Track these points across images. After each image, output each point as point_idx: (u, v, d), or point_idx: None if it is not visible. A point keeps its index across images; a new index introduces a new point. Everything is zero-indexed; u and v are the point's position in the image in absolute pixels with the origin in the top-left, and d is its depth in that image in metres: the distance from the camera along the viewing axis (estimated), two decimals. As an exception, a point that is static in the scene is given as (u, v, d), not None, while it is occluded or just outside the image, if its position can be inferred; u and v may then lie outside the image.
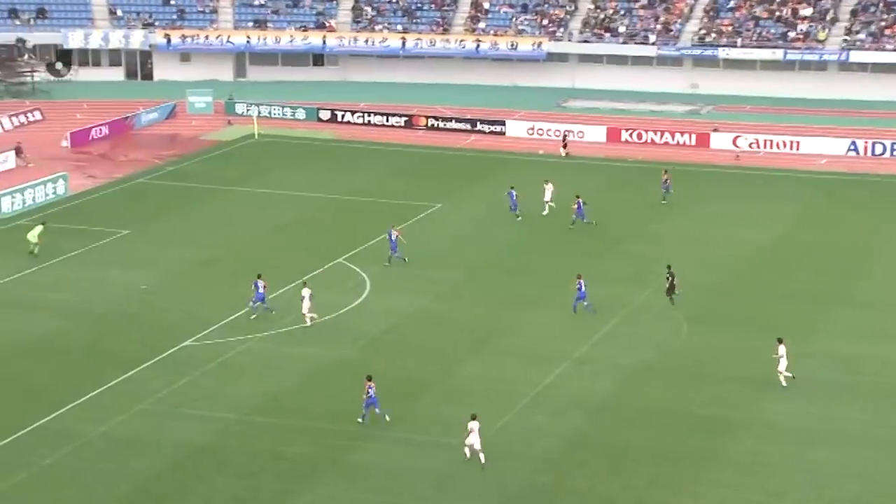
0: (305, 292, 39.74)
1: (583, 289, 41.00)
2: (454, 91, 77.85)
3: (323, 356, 37.46)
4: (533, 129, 68.47)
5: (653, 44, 77.75)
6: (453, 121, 69.74)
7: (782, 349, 35.41)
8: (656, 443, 32.48)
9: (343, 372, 36.65)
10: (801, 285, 44.34)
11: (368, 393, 32.89)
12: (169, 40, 77.93)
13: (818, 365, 37.36)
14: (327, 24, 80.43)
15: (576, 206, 50.70)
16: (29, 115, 68.01)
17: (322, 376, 36.38)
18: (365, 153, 64.29)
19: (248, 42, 78.75)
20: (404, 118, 70.24)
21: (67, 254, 46.37)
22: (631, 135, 67.50)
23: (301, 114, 71.06)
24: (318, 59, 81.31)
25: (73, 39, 76.89)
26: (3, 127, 65.85)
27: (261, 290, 40.03)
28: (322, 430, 32.91)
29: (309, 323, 39.40)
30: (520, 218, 51.12)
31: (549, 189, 52.17)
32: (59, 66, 66.71)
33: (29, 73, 73.45)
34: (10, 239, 47.90)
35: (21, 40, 74.33)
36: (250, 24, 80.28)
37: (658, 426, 33.42)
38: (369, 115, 70.36)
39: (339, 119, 70.42)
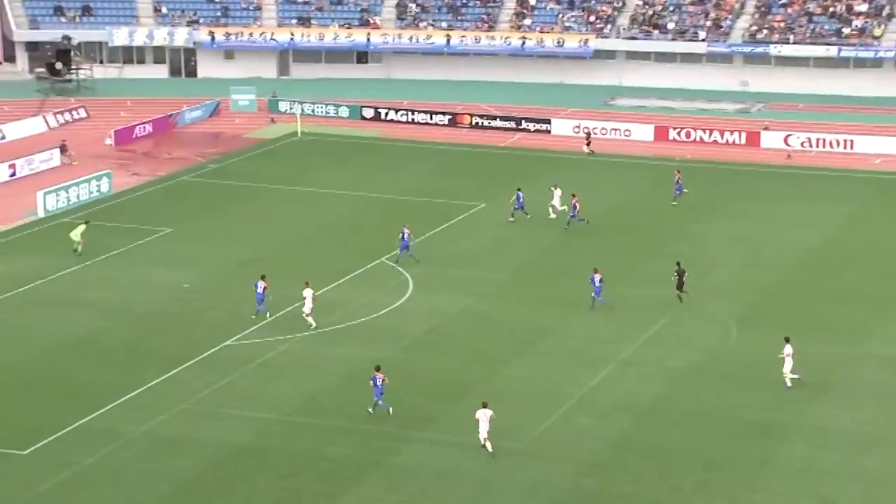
0: (307, 293, 39.49)
1: (596, 283, 40.93)
2: (499, 89, 77.72)
3: (365, 356, 37.49)
4: (579, 127, 68.13)
5: (703, 40, 77.11)
6: (498, 119, 69.60)
7: (788, 349, 35.09)
8: (705, 447, 32.16)
9: (385, 373, 36.63)
10: (853, 287, 43.72)
11: (375, 383, 33.15)
12: (213, 38, 78.52)
13: (872, 369, 36.82)
14: (371, 21, 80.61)
15: (572, 205, 49.87)
16: (73, 112, 68.81)
17: (364, 377, 36.38)
18: (408, 152, 64.33)
19: (291, 39, 79.15)
20: (448, 116, 70.20)
21: (110, 252, 46.82)
22: (679, 133, 66.97)
23: (344, 112, 71.28)
24: (362, 56, 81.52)
25: (118, 37, 77.72)
26: (48, 124, 66.68)
27: (259, 291, 39.93)
28: (364, 430, 32.94)
29: (312, 324, 38.99)
30: (511, 220, 49.94)
31: (557, 194, 51.10)
32: (58, 65, 67.21)
33: (74, 71, 74.30)
34: (54, 237, 48.45)
35: (67, 38, 75.22)
36: (294, 21, 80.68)
37: (707, 430, 33.09)
38: (413, 114, 70.41)
39: (383, 117, 70.53)
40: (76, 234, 45.85)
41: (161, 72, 79.95)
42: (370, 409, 33.48)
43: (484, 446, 31.27)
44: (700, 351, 38.31)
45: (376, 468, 31.08)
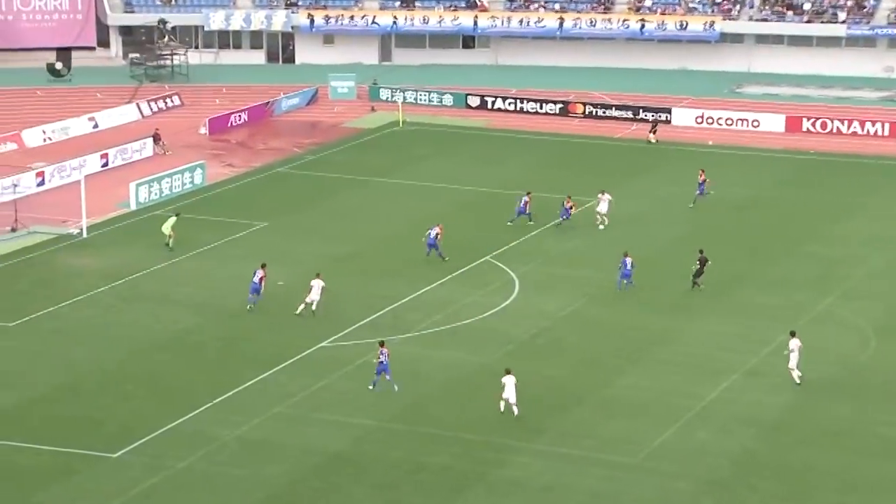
0: (315, 283, 40.11)
1: (628, 267, 41.61)
2: (615, 76, 77.13)
3: (467, 361, 37.58)
4: (702, 117, 67.29)
5: (842, 22, 75.36)
6: (613, 108, 69.11)
7: (794, 343, 35.13)
8: (839, 467, 31.48)
9: (489, 379, 36.68)
10: None
11: (380, 359, 34.54)
12: (312, 21, 79.54)
13: None
14: (479, 4, 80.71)
15: (564, 206, 48.90)
16: (167, 100, 70.33)
17: (466, 383, 36.51)
18: (516, 143, 64.28)
19: (394, 23, 79.74)
20: (560, 105, 69.94)
21: (203, 247, 47.81)
22: (814, 124, 65.62)
23: (449, 100, 71.54)
24: (469, 40, 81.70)
25: (215, 20, 79.26)
26: (141, 113, 68.32)
27: (255, 280, 40.56)
28: (467, 440, 33.03)
29: (314, 308, 39.92)
30: (510, 223, 48.85)
31: (605, 200, 49.31)
32: (58, 65, 68.53)
33: (169, 56, 75.95)
34: (146, 230, 49.65)
35: (163, 21, 76.88)
36: (397, 3, 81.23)
37: (842, 449, 32.39)
38: (522, 102, 70.33)
39: (490, 106, 70.60)
40: (167, 228, 46.89)
41: (258, 57, 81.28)
42: (371, 386, 35.04)
43: (508, 408, 33.49)
44: (834, 361, 37.52)
45: (479, 481, 31.13)
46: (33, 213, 49.87)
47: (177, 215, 47.61)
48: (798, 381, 35.51)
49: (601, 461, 31.96)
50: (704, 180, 52.70)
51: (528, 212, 49.21)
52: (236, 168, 59.57)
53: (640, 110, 68.22)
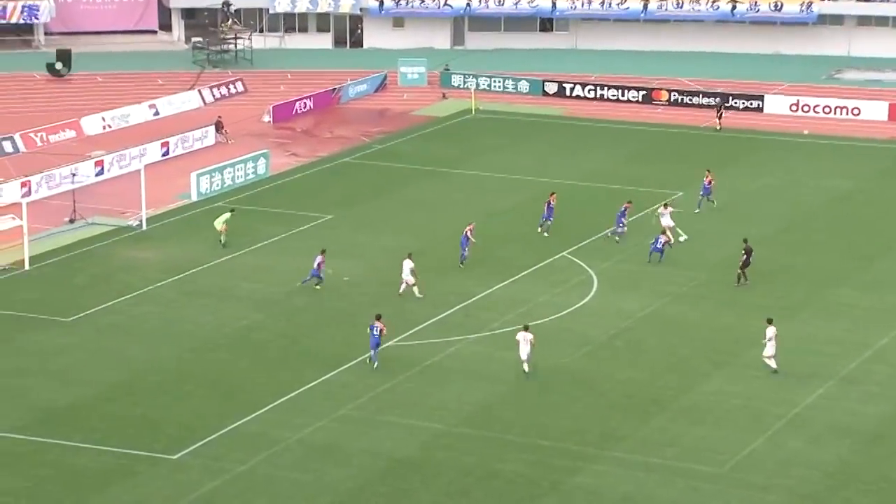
0: (406, 264, 41.48)
1: (659, 245, 43.39)
2: (702, 60, 76.50)
3: (542, 363, 37.63)
4: (797, 104, 66.55)
5: (951, 2, 73.94)
6: (700, 95, 68.56)
7: (770, 331, 36.03)
8: (940, 483, 31.00)
9: (564, 381, 36.72)
10: None
11: (372, 332, 36.38)
12: (381, 3, 79.90)
13: None
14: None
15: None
16: (231, 86, 71.16)
17: (541, 385, 36.56)
18: (595, 132, 64.06)
19: (467, 5, 79.83)
20: (643, 92, 69.56)
21: (267, 240, 48.37)
22: (921, 112, 64.56)
23: (524, 86, 71.50)
24: (546, 23, 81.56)
25: (280, 3, 79.95)
26: (203, 99, 69.21)
27: (314, 267, 42.43)
28: (541, 446, 33.10)
29: (414, 291, 41.63)
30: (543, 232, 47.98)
31: (666, 214, 47.34)
32: (58, 65, 69.20)
33: (232, 40, 76.81)
34: (207, 222, 50.23)
35: (227, 3, 77.69)
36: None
37: (943, 463, 31.89)
38: (602, 89, 70.05)
39: (568, 93, 70.44)
40: (219, 223, 47.09)
41: (324, 41, 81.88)
42: (368, 360, 36.80)
43: (522, 368, 35.91)
44: (937, 369, 36.93)
45: (554, 489, 31.18)
46: (92, 203, 50.78)
47: (231, 211, 48.00)
48: (774, 367, 36.44)
49: (684, 471, 31.82)
50: (710, 181, 50.95)
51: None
52: (301, 158, 60.14)
53: (730, 97, 67.58)
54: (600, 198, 52.86)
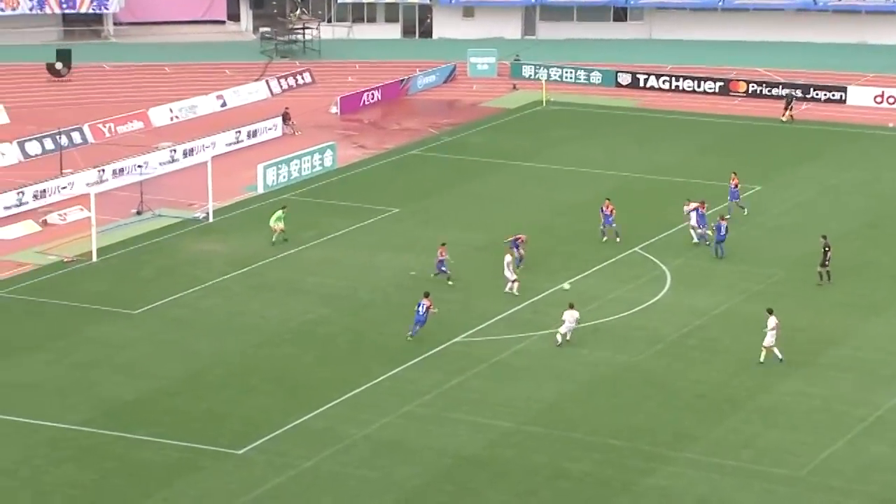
0: (508, 258, 41.88)
1: (722, 232, 43.72)
2: (782, 50, 75.58)
3: (612, 360, 37.45)
4: (882, 96, 65.60)
5: None
6: (780, 86, 67.73)
7: (772, 321, 36.39)
8: None
9: (635, 380, 36.53)
10: None
11: (419, 310, 37.66)
12: (451, -7, 79.88)
13: None
14: (631, -28, 79.99)
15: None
16: (298, 77, 71.60)
17: (610, 384, 36.41)
18: (669, 125, 63.58)
19: (538, -6, 79.56)
20: (720, 83, 68.92)
21: (333, 233, 48.63)
22: None
23: (597, 77, 71.14)
24: (620, 12, 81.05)
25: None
26: (270, 90, 69.73)
27: (440, 258, 42.92)
28: (611, 446, 32.96)
29: (513, 289, 41.83)
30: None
31: (690, 207, 46.19)
32: (58, 65, 69.45)
33: (300, 30, 77.26)
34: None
35: (283, -6, 78.23)
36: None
37: None
38: (678, 80, 69.51)
39: (642, 84, 69.96)
40: (273, 222, 46.70)
41: (393, 31, 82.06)
42: (409, 336, 38.08)
43: (560, 341, 37.68)
44: None
45: (625, 491, 31.04)
46: (159, 195, 51.40)
47: (283, 208, 47.77)
48: (781, 358, 36.67)
49: (761, 474, 31.52)
50: (737, 185, 49.22)
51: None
52: (368, 150, 60.36)
53: (811, 88, 66.70)
54: (674, 191, 52.42)
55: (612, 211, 46.85)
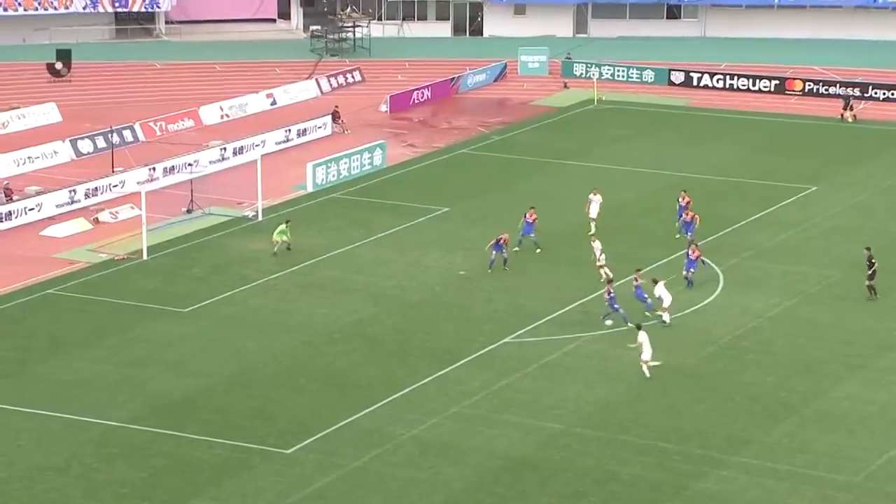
0: (597, 245, 42.77)
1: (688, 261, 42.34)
2: (840, 48, 74.89)
3: (664, 363, 37.23)
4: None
5: None
6: (837, 85, 67.11)
7: (642, 336, 36.02)
8: None
9: (687, 382, 36.31)
10: None
11: (608, 297, 38.74)
12: (502, -9, 79.84)
13: None
14: (685, -31, 79.52)
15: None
16: (348, 75, 71.84)
17: (662, 386, 36.22)
18: (723, 123, 63.18)
19: (590, -9, 79.32)
20: (775, 81, 68.41)
21: (382, 232, 48.73)
22: None
23: (650, 76, 70.82)
24: (674, 10, 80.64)
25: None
26: (320, 89, 70.02)
27: (528, 221, 44.37)
28: (662, 449, 32.79)
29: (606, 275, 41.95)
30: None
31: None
32: (58, 66, 69.55)
33: (351, 29, 77.50)
34: (322, 214, 50.90)
35: (345, -10, 78.51)
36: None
37: None
38: (732, 78, 69.05)
39: (695, 83, 69.57)
40: (276, 235, 46.06)
41: (443, 29, 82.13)
42: (604, 319, 38.96)
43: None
44: None
45: (676, 495, 30.88)
46: (209, 193, 51.76)
47: (287, 222, 46.74)
48: (648, 375, 36.14)
49: (815, 479, 31.24)
50: (688, 203, 46.85)
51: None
52: (418, 149, 60.45)
53: (870, 87, 66.00)
54: (728, 191, 52.05)
55: (688, 203, 46.53)
